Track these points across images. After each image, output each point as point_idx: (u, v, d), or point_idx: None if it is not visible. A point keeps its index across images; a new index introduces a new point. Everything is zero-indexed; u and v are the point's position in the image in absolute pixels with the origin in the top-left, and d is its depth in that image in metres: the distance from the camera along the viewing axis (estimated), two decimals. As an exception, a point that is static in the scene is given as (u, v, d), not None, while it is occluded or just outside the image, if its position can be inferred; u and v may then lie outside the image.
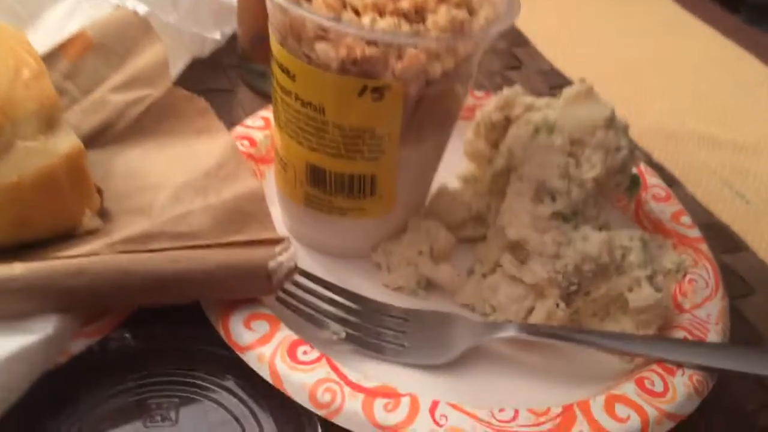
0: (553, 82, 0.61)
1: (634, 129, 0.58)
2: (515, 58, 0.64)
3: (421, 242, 0.40)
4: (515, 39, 0.66)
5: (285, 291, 0.36)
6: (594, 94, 0.42)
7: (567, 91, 0.43)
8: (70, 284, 0.31)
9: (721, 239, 0.48)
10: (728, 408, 0.37)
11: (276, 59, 0.36)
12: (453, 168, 0.46)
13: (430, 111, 0.35)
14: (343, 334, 0.36)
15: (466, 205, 0.43)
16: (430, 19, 0.32)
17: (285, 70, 0.35)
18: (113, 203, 0.38)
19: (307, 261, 0.41)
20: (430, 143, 0.37)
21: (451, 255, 0.41)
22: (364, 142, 0.34)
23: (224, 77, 0.55)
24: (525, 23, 0.68)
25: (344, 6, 0.33)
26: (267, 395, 0.33)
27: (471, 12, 0.34)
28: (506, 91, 0.45)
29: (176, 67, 0.48)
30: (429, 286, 0.40)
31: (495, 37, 0.36)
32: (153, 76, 0.41)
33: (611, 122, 0.41)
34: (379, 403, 0.31)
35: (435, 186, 0.44)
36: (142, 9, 0.46)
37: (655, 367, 0.35)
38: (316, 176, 0.37)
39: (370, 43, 0.32)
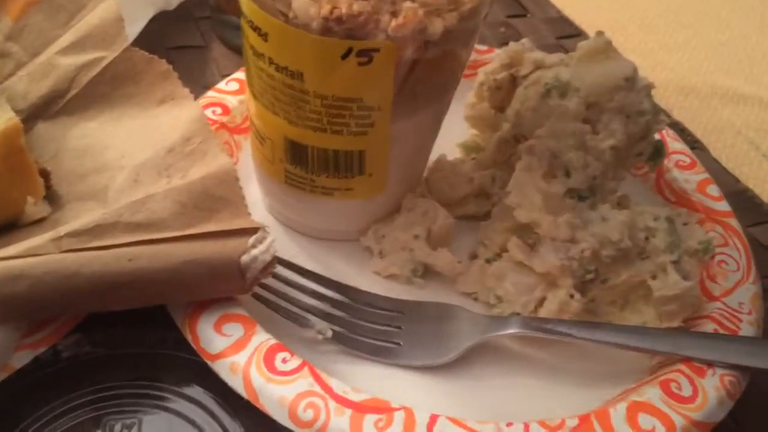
0: (562, 31, 0.55)
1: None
2: (520, 5, 0.58)
3: (417, 224, 0.35)
4: (520, -17, 0.60)
5: (262, 285, 0.32)
6: (613, 50, 0.37)
7: (581, 46, 0.38)
8: (6, 291, 0.26)
9: (749, 210, 0.43)
10: (761, 408, 0.33)
11: (245, 15, 0.30)
12: (452, 135, 0.41)
13: (427, 77, 0.30)
14: (330, 333, 0.31)
15: (468, 179, 0.38)
16: None
17: (256, 29, 0.29)
18: (65, 185, 0.33)
19: (289, 245, 0.36)
20: (426, 114, 0.32)
21: (451, 237, 0.37)
22: (350, 114, 0.29)
23: (195, 32, 0.49)
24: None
25: None
26: (241, 408, 0.29)
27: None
28: (512, 46, 0.40)
29: (137, 24, 0.42)
30: (426, 273, 0.36)
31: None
32: (106, 35, 0.36)
33: (632, 82, 0.36)
34: (369, 420, 0.27)
35: (432, 157, 0.39)
36: (94, -44, 0.40)
37: (681, 366, 0.31)
38: (297, 152, 0.32)
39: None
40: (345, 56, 0.27)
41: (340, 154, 0.31)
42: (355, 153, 0.31)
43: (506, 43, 0.52)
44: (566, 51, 0.39)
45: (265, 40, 0.29)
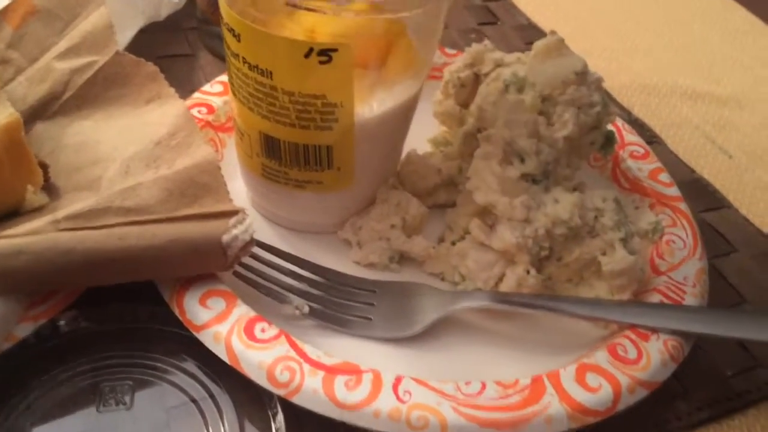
0: (530, 37, 0.59)
1: (615, 84, 0.56)
2: (491, 13, 0.61)
3: (392, 215, 0.38)
4: (491, -8, 0.64)
5: (244, 265, 0.35)
6: (565, 47, 0.40)
7: (537, 45, 0.41)
8: (8, 265, 0.29)
9: (703, 197, 0.46)
10: (707, 372, 0.36)
11: (223, 18, 0.33)
12: (423, 131, 0.45)
13: (388, 74, 0.33)
14: (306, 309, 0.34)
15: (436, 170, 0.41)
16: None
17: (231, 30, 0.33)
18: (62, 178, 0.36)
19: (273, 238, 0.39)
20: (390, 113, 0.35)
21: (424, 225, 0.40)
22: (315, 110, 0.32)
23: (183, 41, 0.52)
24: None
25: None
26: (226, 375, 0.31)
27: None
28: (474, 48, 0.43)
29: (128, 33, 0.45)
30: (402, 258, 0.38)
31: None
32: (98, 41, 0.39)
33: (583, 77, 0.39)
34: (340, 380, 0.30)
35: (404, 151, 0.42)
36: (88, -30, 0.43)
37: (628, 333, 0.34)
38: (270, 146, 0.35)
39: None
40: (307, 55, 0.30)
41: (309, 148, 0.34)
42: (323, 147, 0.34)
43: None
44: None
45: (239, 41, 0.32)
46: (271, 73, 0.32)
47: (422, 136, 0.45)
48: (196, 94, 0.43)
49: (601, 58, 0.59)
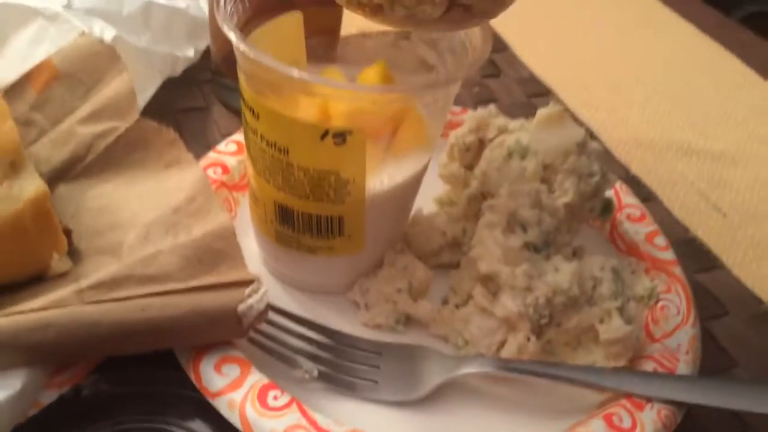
0: (532, 90, 0.61)
1: (613, 138, 0.58)
2: (494, 65, 0.63)
3: (399, 278, 0.40)
4: (494, 45, 0.65)
5: (257, 330, 0.36)
6: (566, 118, 0.42)
7: (539, 114, 0.43)
8: (36, 338, 0.31)
9: (697, 257, 0.48)
10: (699, 437, 0.37)
11: (243, 96, 0.35)
12: (429, 190, 0.46)
13: (398, 148, 0.35)
14: (315, 373, 0.36)
15: (441, 232, 0.43)
16: None
17: (251, 109, 0.34)
18: (84, 241, 0.37)
19: (283, 298, 0.40)
20: (399, 186, 0.37)
21: (429, 288, 0.41)
22: (329, 185, 0.34)
23: (198, 94, 0.54)
24: (503, 27, 0.67)
25: None
26: (239, 439, 0.33)
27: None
28: (479, 113, 0.45)
29: (147, 92, 0.47)
30: (408, 320, 0.40)
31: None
32: (120, 107, 0.41)
33: (583, 147, 0.41)
34: (349, 449, 0.31)
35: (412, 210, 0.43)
36: (110, 33, 0.45)
37: (624, 401, 0.35)
38: (285, 215, 0.37)
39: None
40: (323, 137, 0.32)
41: (321, 218, 0.36)
42: (335, 217, 0.36)
43: (481, 102, 0.58)
44: (536, 107, 0.43)
45: (257, 119, 0.34)
46: (287, 150, 0.34)
47: (428, 195, 0.46)
48: (211, 154, 0.45)
49: (600, 110, 0.61)
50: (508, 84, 0.61)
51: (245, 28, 0.37)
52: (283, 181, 0.35)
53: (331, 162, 0.33)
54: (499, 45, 0.66)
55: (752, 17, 1.09)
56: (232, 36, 0.32)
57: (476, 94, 0.59)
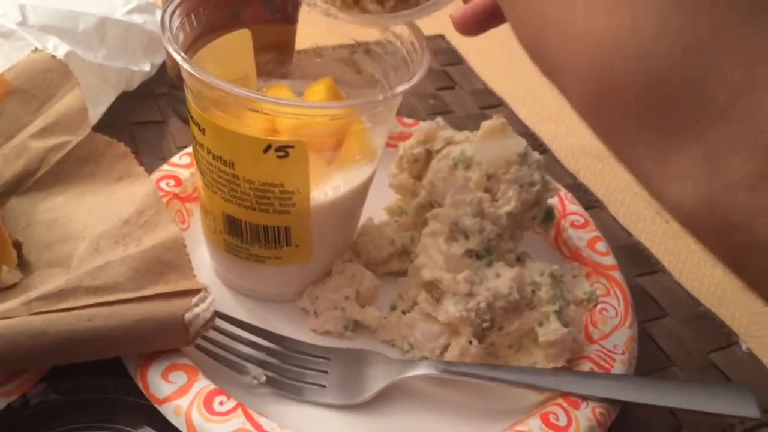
0: (486, 102, 0.62)
1: (563, 147, 0.60)
2: (449, 78, 0.65)
3: (347, 286, 0.41)
4: (450, 58, 0.67)
5: (205, 337, 0.37)
6: (508, 129, 0.44)
7: (483, 126, 0.44)
8: (-17, 348, 0.31)
9: (639, 261, 0.50)
10: (636, 434, 0.39)
11: (190, 112, 0.36)
12: (380, 200, 0.47)
13: (342, 161, 0.36)
14: (263, 378, 0.37)
15: (390, 240, 0.44)
16: None
17: (197, 124, 0.35)
18: (34, 254, 0.38)
19: (234, 306, 0.41)
20: (344, 196, 0.38)
21: (376, 295, 0.42)
22: (274, 196, 0.35)
23: (155, 107, 0.55)
24: (460, 41, 0.69)
25: None
26: (186, 445, 0.34)
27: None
28: (426, 125, 0.46)
29: (102, 106, 0.48)
30: (356, 326, 0.41)
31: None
32: (72, 121, 0.41)
33: (525, 157, 0.43)
34: (292, 452, 0.32)
35: (361, 219, 0.45)
36: (63, 49, 0.46)
37: (560, 400, 0.36)
38: (233, 226, 0.38)
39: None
40: (266, 151, 0.33)
41: (268, 229, 0.37)
42: (281, 228, 0.37)
43: (436, 114, 0.60)
44: (488, 119, 0.45)
45: (204, 134, 0.35)
46: (233, 163, 0.35)
47: (379, 205, 0.48)
48: (165, 166, 0.46)
49: (550, 121, 0.62)
50: (462, 96, 0.63)
51: (194, 46, 0.38)
52: (230, 193, 0.36)
53: (275, 175, 0.35)
54: (455, 58, 0.68)
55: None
56: (176, 56, 0.33)
57: (431, 106, 0.61)
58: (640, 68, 0.22)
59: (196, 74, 0.32)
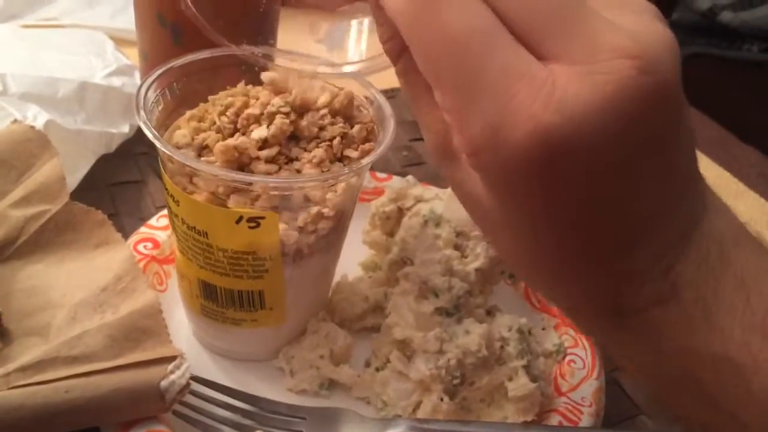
0: (458, 152, 0.64)
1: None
2: (422, 129, 0.67)
3: (321, 345, 0.42)
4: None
5: (182, 402, 0.38)
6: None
7: (452, 185, 0.46)
8: (-39, 424, 0.32)
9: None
10: (603, 485, 0.40)
11: (164, 183, 0.37)
12: (354, 256, 0.49)
13: (312, 237, 0.37)
14: (239, 442, 0.38)
15: (364, 297, 0.45)
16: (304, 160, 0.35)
17: (171, 195, 0.37)
18: (14, 322, 0.39)
19: (211, 366, 0.42)
20: (315, 262, 0.39)
21: (351, 353, 0.43)
22: (247, 263, 0.36)
23: (134, 167, 0.56)
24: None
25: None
26: None
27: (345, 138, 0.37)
28: (397, 184, 0.48)
29: (81, 171, 0.49)
30: (332, 384, 0.42)
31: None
32: (51, 190, 0.43)
33: (492, 215, 0.44)
34: None
35: (336, 275, 0.46)
36: (42, 118, 0.47)
37: (530, 455, 0.38)
38: (208, 290, 0.39)
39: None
40: (238, 222, 0.34)
41: (243, 293, 0.38)
42: (255, 292, 0.38)
43: (409, 165, 0.61)
44: None
45: (178, 205, 0.36)
46: (206, 233, 0.36)
47: (354, 260, 0.49)
48: (143, 229, 0.47)
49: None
50: (435, 147, 0.65)
51: (174, 113, 0.40)
52: (204, 260, 0.37)
53: (248, 244, 0.36)
54: (427, 108, 0.69)
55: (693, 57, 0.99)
56: (149, 134, 0.34)
57: (404, 158, 0.63)
58: None
59: (168, 152, 0.34)
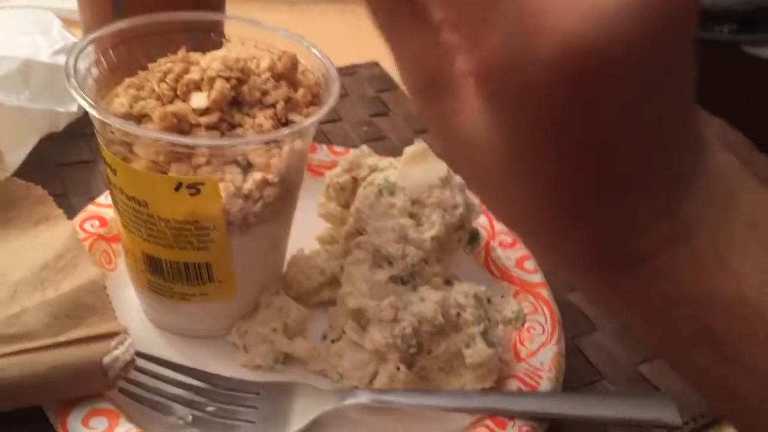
0: (419, 126, 0.63)
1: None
2: (383, 104, 0.66)
3: (274, 319, 0.41)
4: (384, 84, 0.68)
5: (129, 379, 0.37)
6: (430, 154, 0.45)
7: (406, 151, 0.45)
8: None
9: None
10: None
11: (101, 153, 0.36)
12: (310, 229, 0.48)
13: (258, 205, 0.36)
14: (190, 418, 0.36)
15: (320, 270, 0.44)
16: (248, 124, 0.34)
17: (108, 165, 0.35)
18: (-49, 303, 0.37)
19: (163, 344, 0.41)
20: (263, 232, 0.38)
21: (305, 327, 0.42)
22: (191, 233, 0.35)
23: (84, 147, 0.54)
24: (392, 67, 0.70)
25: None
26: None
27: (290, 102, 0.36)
28: (351, 153, 0.47)
29: (23, 149, 0.48)
30: (287, 358, 0.41)
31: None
32: (-11, 167, 0.41)
33: (447, 181, 0.43)
34: (214, 491, 0.32)
35: (292, 249, 0.45)
36: (-18, 95, 0.45)
37: (488, 421, 0.37)
38: (153, 264, 0.37)
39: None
40: (177, 188, 0.33)
41: (189, 266, 0.37)
42: (202, 264, 0.37)
43: (370, 140, 0.60)
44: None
45: (115, 175, 0.35)
46: (146, 203, 0.35)
47: (310, 234, 0.48)
48: (90, 207, 0.46)
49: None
50: (396, 122, 0.64)
51: (112, 81, 0.38)
52: (147, 232, 0.36)
53: (189, 212, 0.35)
54: (388, 84, 0.68)
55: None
56: (81, 101, 0.33)
57: (365, 133, 0.62)
58: None
59: (104, 120, 0.33)
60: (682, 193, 0.23)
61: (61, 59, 0.54)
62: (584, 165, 0.21)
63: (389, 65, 0.70)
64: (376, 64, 0.71)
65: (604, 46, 0.19)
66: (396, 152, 0.54)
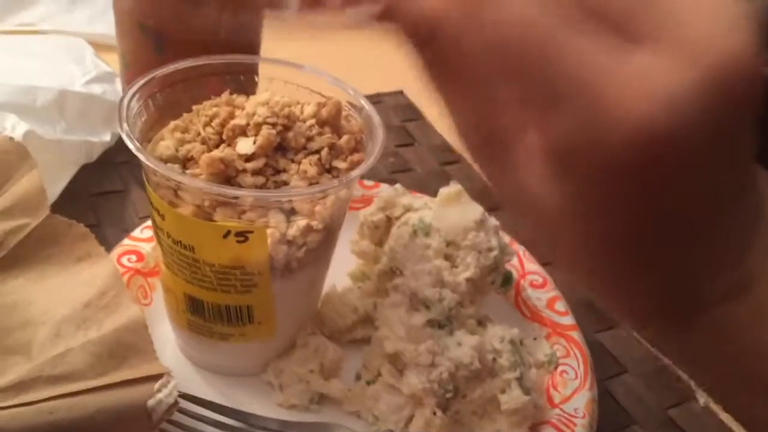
0: (445, 158, 0.64)
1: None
2: (408, 134, 0.66)
3: (311, 359, 0.41)
4: (409, 114, 0.69)
5: (169, 420, 0.37)
6: (465, 196, 0.45)
7: (441, 193, 0.45)
8: (-61, 449, 0.31)
9: (597, 317, 0.51)
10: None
11: (149, 197, 0.36)
12: (343, 266, 0.48)
13: (302, 251, 0.37)
14: (228, 459, 0.37)
15: (353, 308, 0.45)
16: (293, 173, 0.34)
17: (156, 209, 0.36)
18: (-6, 340, 0.38)
19: (198, 381, 0.41)
20: (304, 276, 0.38)
21: (341, 367, 0.43)
22: (235, 278, 0.36)
23: (116, 177, 0.55)
24: (418, 95, 0.71)
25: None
26: None
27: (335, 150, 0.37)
28: (386, 192, 0.47)
29: (61, 182, 0.48)
30: (322, 398, 0.41)
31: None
32: (30, 204, 0.41)
33: (482, 224, 0.44)
34: None
35: (325, 286, 0.45)
36: (21, 129, 0.46)
37: (522, 469, 0.37)
38: (195, 306, 0.38)
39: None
40: (225, 236, 0.34)
41: (231, 308, 0.37)
42: (244, 307, 0.37)
43: (396, 171, 0.61)
44: (449, 175, 0.45)
45: (163, 219, 0.35)
46: (193, 247, 0.35)
47: (342, 270, 0.48)
48: (126, 241, 0.46)
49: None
50: (421, 152, 0.64)
51: (157, 124, 0.39)
52: (191, 274, 0.36)
53: (235, 258, 0.35)
54: (414, 114, 0.69)
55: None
56: (132, 147, 0.33)
57: (391, 165, 0.62)
58: None
59: (152, 166, 0.33)
60: (745, 247, 0.24)
61: (95, 89, 0.54)
62: (652, 228, 0.22)
63: (414, 94, 0.70)
64: (400, 93, 0.71)
65: (675, 130, 0.20)
66: (422, 183, 0.54)
